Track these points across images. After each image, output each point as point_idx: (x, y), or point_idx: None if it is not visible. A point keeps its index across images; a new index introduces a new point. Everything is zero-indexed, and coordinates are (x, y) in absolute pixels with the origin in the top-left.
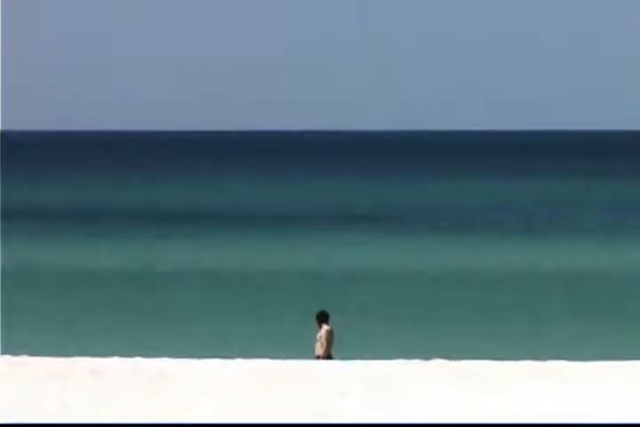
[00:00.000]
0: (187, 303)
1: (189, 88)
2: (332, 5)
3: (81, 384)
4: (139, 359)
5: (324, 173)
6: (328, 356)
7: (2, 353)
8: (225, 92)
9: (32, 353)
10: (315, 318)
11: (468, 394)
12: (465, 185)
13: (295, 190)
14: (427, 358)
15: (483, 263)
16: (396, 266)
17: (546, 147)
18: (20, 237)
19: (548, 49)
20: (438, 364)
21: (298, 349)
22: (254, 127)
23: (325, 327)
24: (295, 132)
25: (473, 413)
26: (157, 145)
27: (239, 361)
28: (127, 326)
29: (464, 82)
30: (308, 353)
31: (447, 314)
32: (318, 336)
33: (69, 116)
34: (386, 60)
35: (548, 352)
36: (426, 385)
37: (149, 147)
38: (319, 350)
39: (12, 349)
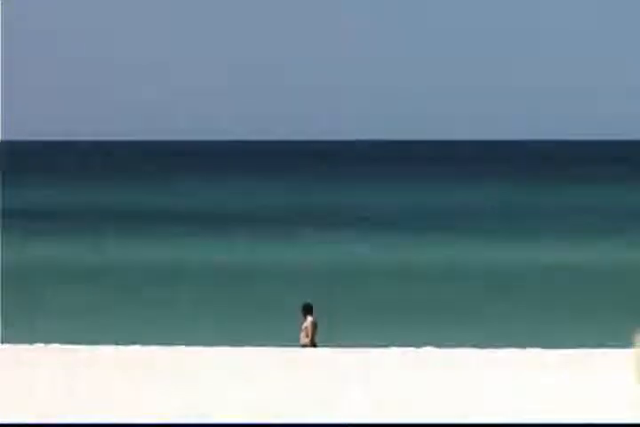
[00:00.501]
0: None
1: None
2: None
3: (105, 371)
4: (156, 348)
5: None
6: (313, 344)
7: (33, 342)
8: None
9: (62, 342)
10: (301, 309)
11: (451, 379)
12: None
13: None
14: (418, 346)
15: (462, 260)
16: (381, 262)
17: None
18: (37, 235)
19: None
20: (428, 352)
21: (284, 339)
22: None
23: (310, 318)
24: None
25: (456, 396)
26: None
27: (242, 349)
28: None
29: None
30: (294, 343)
31: (432, 307)
32: (303, 327)
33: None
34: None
35: (525, 341)
36: (416, 371)
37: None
38: (304, 339)
39: (43, 337)
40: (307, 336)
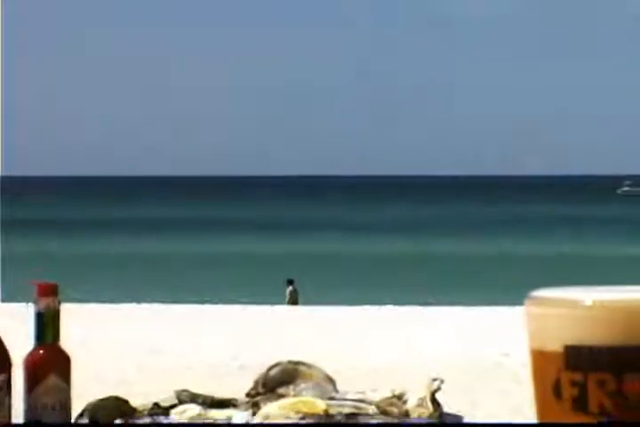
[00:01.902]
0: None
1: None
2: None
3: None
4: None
5: None
6: (293, 304)
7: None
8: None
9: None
10: (285, 282)
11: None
12: None
13: None
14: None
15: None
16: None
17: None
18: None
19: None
20: (389, 309)
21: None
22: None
23: (290, 288)
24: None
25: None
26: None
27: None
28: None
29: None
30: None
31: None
32: (287, 293)
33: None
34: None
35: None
36: (377, 326)
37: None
38: (288, 302)
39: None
40: (289, 300)
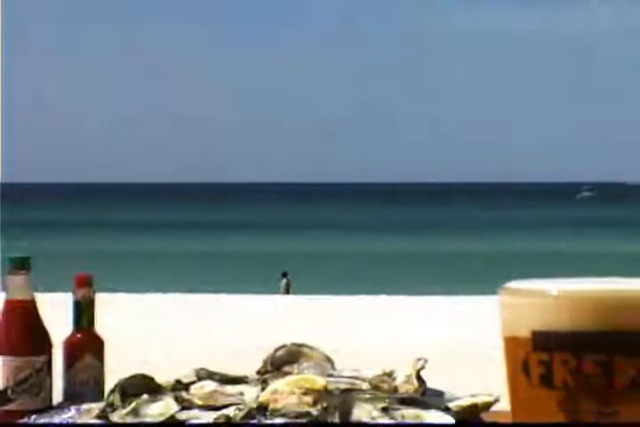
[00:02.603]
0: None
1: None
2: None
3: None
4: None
5: None
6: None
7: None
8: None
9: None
10: (280, 275)
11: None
12: None
13: None
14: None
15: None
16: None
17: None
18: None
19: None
20: (382, 298)
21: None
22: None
23: (284, 280)
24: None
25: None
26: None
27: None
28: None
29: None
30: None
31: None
32: (282, 284)
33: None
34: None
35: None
36: (371, 313)
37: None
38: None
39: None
40: (284, 290)
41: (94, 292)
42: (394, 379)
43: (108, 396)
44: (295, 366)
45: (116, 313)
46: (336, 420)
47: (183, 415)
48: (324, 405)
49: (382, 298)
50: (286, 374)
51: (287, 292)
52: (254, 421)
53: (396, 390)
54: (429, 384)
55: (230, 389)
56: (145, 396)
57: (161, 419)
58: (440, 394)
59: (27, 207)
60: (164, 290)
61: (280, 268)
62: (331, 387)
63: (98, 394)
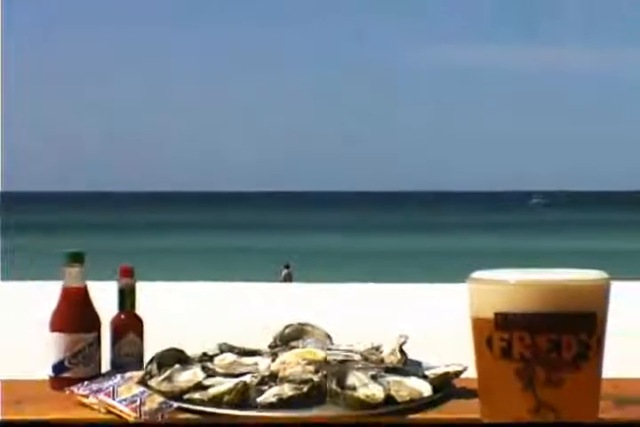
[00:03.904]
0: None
1: None
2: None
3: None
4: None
5: None
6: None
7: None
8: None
9: None
10: (283, 266)
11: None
12: None
13: None
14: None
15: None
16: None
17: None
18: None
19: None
20: (372, 286)
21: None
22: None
23: (285, 270)
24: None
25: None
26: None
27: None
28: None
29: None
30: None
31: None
32: (283, 274)
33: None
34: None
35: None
36: (362, 298)
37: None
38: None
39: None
40: (284, 279)
41: (135, 280)
42: (381, 352)
43: (147, 366)
44: (300, 341)
45: (153, 298)
46: (333, 385)
47: (208, 382)
48: (324, 373)
49: (372, 285)
50: (293, 348)
51: (290, 281)
52: (266, 387)
53: (382, 361)
54: (410, 356)
55: (247, 360)
56: (177, 366)
57: (190, 385)
58: (419, 364)
59: (83, 211)
60: (193, 279)
61: (283, 258)
62: (329, 358)
63: (138, 364)
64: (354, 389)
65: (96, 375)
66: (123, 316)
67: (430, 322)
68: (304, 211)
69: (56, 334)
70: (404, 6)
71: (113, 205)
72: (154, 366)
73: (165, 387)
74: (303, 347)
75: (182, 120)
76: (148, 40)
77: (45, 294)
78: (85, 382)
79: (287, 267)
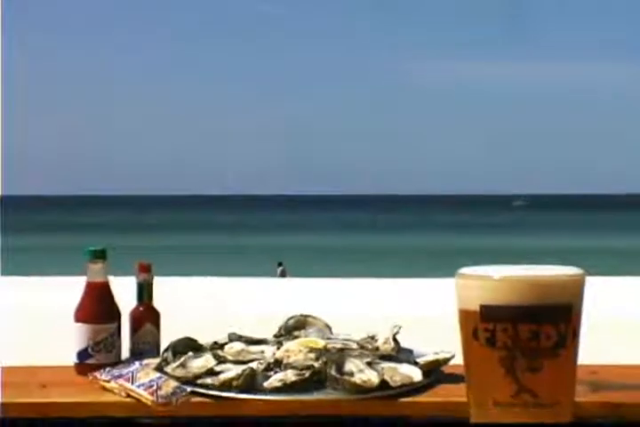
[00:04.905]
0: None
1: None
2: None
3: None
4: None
5: None
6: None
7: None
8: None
9: None
10: (277, 264)
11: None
12: None
13: None
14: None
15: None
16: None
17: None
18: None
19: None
20: (368, 280)
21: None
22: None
23: (280, 268)
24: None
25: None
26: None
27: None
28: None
29: None
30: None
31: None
32: (278, 271)
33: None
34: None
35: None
36: (359, 291)
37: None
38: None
39: None
40: (280, 276)
41: (152, 275)
42: (376, 341)
43: (163, 353)
44: (302, 331)
45: (169, 292)
46: (333, 371)
47: (219, 368)
48: (324, 360)
49: (367, 280)
50: (296, 337)
51: (285, 276)
52: (271, 373)
53: (377, 349)
54: (403, 345)
55: (254, 348)
56: (190, 353)
57: (202, 371)
58: (410, 352)
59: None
60: (204, 274)
61: (279, 257)
62: (329, 347)
63: (155, 352)
64: (351, 374)
65: (117, 362)
66: (141, 308)
67: (421, 313)
68: (304, 211)
69: (80, 325)
70: (407, 19)
71: (134, 207)
72: (169, 354)
73: (180, 373)
74: (305, 336)
75: (189, 128)
76: (147, 40)
77: (68, 287)
78: (107, 369)
79: (280, 264)
